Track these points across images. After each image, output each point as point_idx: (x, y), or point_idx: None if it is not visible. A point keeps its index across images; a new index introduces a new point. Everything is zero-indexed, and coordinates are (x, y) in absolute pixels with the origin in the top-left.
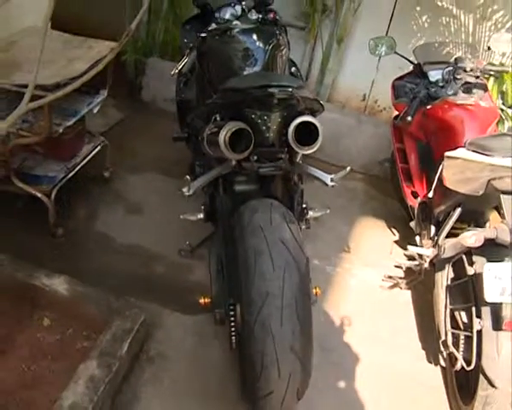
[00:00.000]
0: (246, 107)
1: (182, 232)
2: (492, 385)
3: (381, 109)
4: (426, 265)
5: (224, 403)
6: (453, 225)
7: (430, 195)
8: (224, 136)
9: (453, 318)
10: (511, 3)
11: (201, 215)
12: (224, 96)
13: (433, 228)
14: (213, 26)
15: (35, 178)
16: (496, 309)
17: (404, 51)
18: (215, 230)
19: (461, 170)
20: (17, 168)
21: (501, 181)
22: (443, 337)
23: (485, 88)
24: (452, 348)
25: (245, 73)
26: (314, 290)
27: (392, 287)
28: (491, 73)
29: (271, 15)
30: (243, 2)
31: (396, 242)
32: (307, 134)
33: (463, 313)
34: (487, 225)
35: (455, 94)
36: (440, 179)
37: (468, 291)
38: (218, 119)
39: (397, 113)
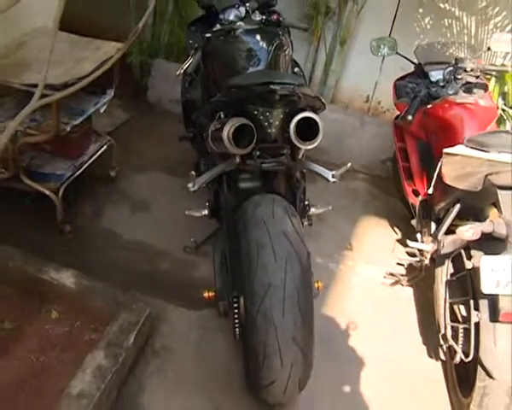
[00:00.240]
0: (249, 103)
1: (186, 230)
2: (490, 376)
3: (384, 110)
4: (426, 261)
5: (228, 394)
6: (453, 221)
7: (430, 191)
8: (227, 131)
9: (452, 312)
10: None
11: (206, 211)
12: (227, 93)
13: (433, 225)
14: (218, 27)
15: (43, 175)
16: (493, 301)
17: (407, 52)
18: (219, 226)
19: (459, 166)
20: (26, 166)
21: (497, 176)
22: (442, 331)
23: (485, 88)
24: (451, 341)
25: (243, 73)
26: (316, 284)
27: (393, 284)
28: (491, 72)
29: (275, 17)
30: (247, 4)
31: (398, 240)
32: (308, 130)
33: (462, 307)
34: (487, 221)
35: (455, 93)
36: (440, 176)
37: (466, 285)
38: (222, 116)
39: (398, 112)
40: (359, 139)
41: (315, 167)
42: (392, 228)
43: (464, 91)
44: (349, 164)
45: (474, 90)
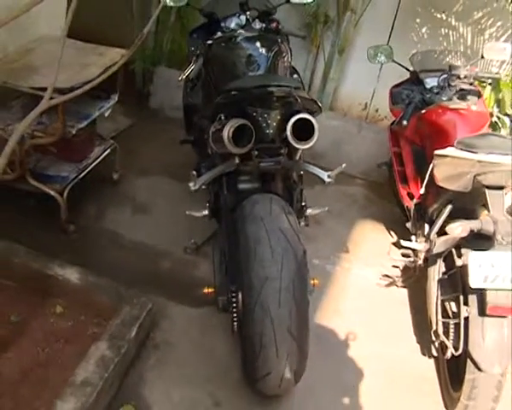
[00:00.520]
0: (248, 105)
1: (187, 231)
2: (479, 369)
3: (382, 118)
4: (420, 261)
5: (225, 387)
6: (445, 222)
7: (422, 191)
8: (227, 131)
9: (444, 308)
10: (509, 14)
11: (206, 212)
12: (227, 95)
13: (426, 226)
14: (219, 34)
15: (48, 177)
16: (481, 296)
17: (404, 61)
18: (218, 226)
19: (450, 168)
20: (32, 168)
21: (485, 176)
22: (434, 327)
23: (478, 94)
24: (443, 337)
25: (242, 78)
26: (312, 281)
27: (388, 285)
28: (485, 80)
29: (274, 25)
30: (247, 13)
31: (394, 243)
32: (304, 131)
33: (453, 303)
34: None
35: (449, 100)
36: (432, 178)
37: (457, 282)
38: (222, 118)
39: (394, 118)
40: (357, 146)
41: (311, 168)
42: (388, 231)
43: (458, 98)
44: (343, 165)
45: (468, 97)
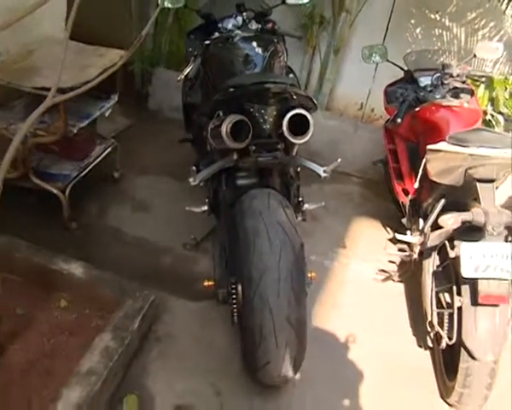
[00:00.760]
0: (245, 101)
1: (186, 228)
2: (472, 357)
3: (377, 117)
4: (415, 255)
5: (226, 377)
6: (438, 216)
7: (416, 185)
8: (225, 127)
9: (438, 300)
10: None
11: (205, 207)
12: (225, 92)
13: (421, 221)
14: (216, 35)
15: (51, 175)
16: (473, 285)
17: (399, 61)
18: (217, 222)
19: (442, 162)
20: (34, 167)
21: (476, 170)
22: (429, 318)
23: (471, 92)
24: (437, 327)
25: (239, 76)
26: (310, 275)
27: (385, 280)
28: (478, 78)
29: (270, 25)
30: (244, 14)
31: (390, 239)
32: (300, 127)
33: (447, 294)
34: None
35: (442, 97)
36: (425, 172)
37: (450, 273)
38: (220, 114)
39: (389, 116)
40: (353, 145)
41: (307, 163)
42: (385, 228)
43: (451, 96)
44: (339, 160)
45: (461, 95)
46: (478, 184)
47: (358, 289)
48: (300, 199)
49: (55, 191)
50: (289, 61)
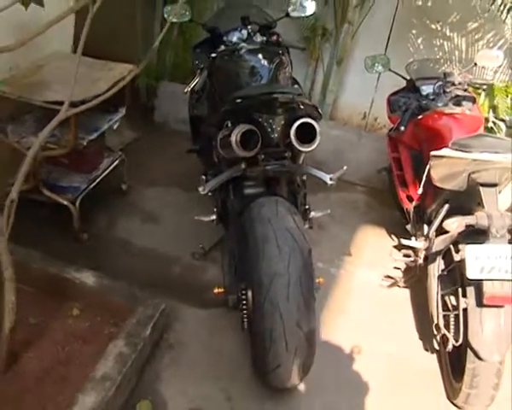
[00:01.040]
0: (254, 111)
1: (194, 238)
2: (479, 357)
3: (380, 127)
4: (420, 261)
5: (236, 383)
6: (443, 221)
7: (420, 191)
8: (235, 136)
9: (444, 303)
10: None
11: (214, 217)
12: (234, 103)
13: (425, 227)
14: (222, 47)
15: (61, 188)
16: (478, 287)
17: (400, 70)
18: (226, 231)
19: (445, 168)
20: (44, 179)
21: (479, 174)
22: (435, 321)
23: (473, 100)
24: (444, 330)
25: (246, 87)
26: (317, 280)
27: (391, 286)
28: (479, 86)
29: (275, 38)
30: (249, 27)
31: (395, 246)
32: (307, 136)
33: (452, 297)
34: None
35: (445, 105)
36: (429, 179)
37: (455, 277)
38: (229, 125)
39: (392, 125)
40: (357, 153)
41: (314, 171)
42: (389, 235)
43: (453, 104)
44: (345, 167)
45: (463, 103)
46: (481, 189)
47: (365, 296)
48: (307, 207)
49: (65, 203)
50: (293, 73)
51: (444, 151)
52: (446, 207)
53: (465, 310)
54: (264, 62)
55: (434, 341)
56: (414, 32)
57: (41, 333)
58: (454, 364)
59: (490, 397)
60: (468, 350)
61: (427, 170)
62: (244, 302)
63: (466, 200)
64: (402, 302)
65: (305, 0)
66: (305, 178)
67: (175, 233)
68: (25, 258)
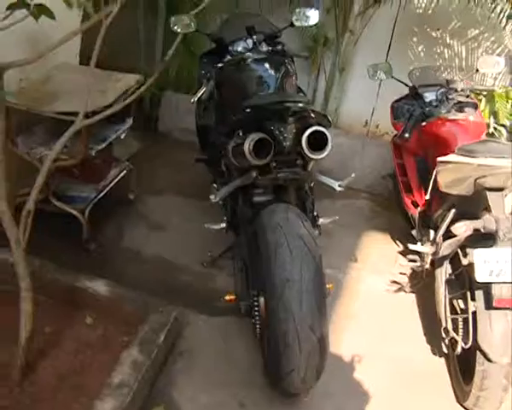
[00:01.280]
0: (265, 120)
1: (202, 246)
2: (488, 359)
3: (382, 134)
4: (427, 265)
5: (248, 389)
6: (449, 226)
7: (427, 197)
8: (248, 145)
9: (452, 307)
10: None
11: (224, 225)
12: (246, 113)
13: (432, 232)
14: (229, 57)
15: (70, 198)
16: (487, 290)
17: (402, 77)
18: (236, 238)
19: (452, 173)
20: (54, 190)
21: (485, 179)
22: (444, 325)
23: (475, 106)
24: (453, 333)
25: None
26: (327, 286)
27: (397, 291)
28: (480, 92)
29: (280, 47)
30: (254, 36)
31: (400, 252)
32: (317, 143)
33: (460, 301)
34: None
35: (448, 112)
36: (435, 184)
37: (463, 280)
38: (240, 133)
39: (396, 132)
40: (361, 161)
41: (323, 178)
42: (394, 241)
43: (456, 110)
44: (353, 174)
45: (466, 109)
46: (488, 193)
47: (372, 301)
48: (315, 213)
49: (75, 213)
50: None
51: (450, 157)
52: (453, 211)
53: (474, 313)
54: (271, 72)
55: (443, 344)
56: (414, 39)
57: (55, 342)
58: (462, 367)
59: (499, 399)
60: (478, 353)
61: (434, 176)
62: (256, 309)
63: (472, 205)
64: (408, 307)
65: (308, 10)
66: (312, 185)
67: (182, 241)
68: (37, 268)
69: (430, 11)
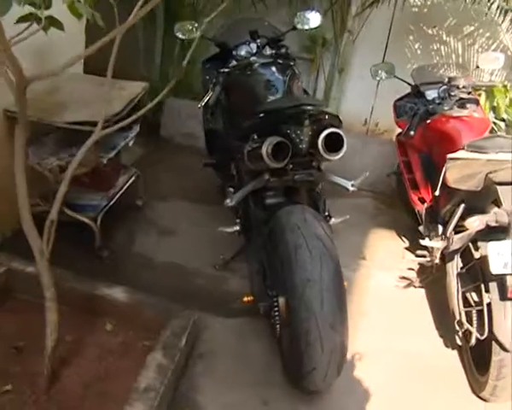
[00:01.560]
0: (282, 124)
1: (212, 249)
2: (504, 349)
3: (382, 132)
4: (437, 260)
5: (270, 388)
6: (458, 222)
7: (437, 193)
8: (266, 149)
9: (465, 300)
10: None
11: (237, 227)
12: (261, 116)
13: (440, 227)
14: (234, 62)
15: (81, 207)
16: (501, 282)
17: (400, 75)
18: (248, 241)
19: (462, 169)
20: (65, 199)
21: (497, 174)
22: (457, 318)
23: (477, 102)
24: (467, 325)
25: (268, 100)
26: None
27: (406, 286)
28: (481, 88)
29: (283, 50)
30: (258, 40)
31: (406, 248)
32: (332, 145)
33: (473, 294)
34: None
35: (451, 109)
36: (444, 181)
37: (475, 274)
38: (255, 137)
39: (400, 130)
40: (362, 159)
41: (336, 178)
42: (400, 237)
43: (458, 107)
44: (367, 173)
45: (467, 105)
46: (498, 188)
47: (382, 297)
48: (327, 213)
49: (87, 221)
50: None
51: (460, 153)
52: (462, 206)
53: (488, 305)
54: (279, 75)
55: (456, 337)
56: (411, 37)
57: (77, 350)
58: (476, 359)
59: None
60: (494, 343)
61: (443, 172)
62: (276, 309)
63: (480, 199)
64: (418, 302)
65: (309, 13)
66: (321, 184)
67: (192, 246)
68: (61, 278)
69: (426, 9)
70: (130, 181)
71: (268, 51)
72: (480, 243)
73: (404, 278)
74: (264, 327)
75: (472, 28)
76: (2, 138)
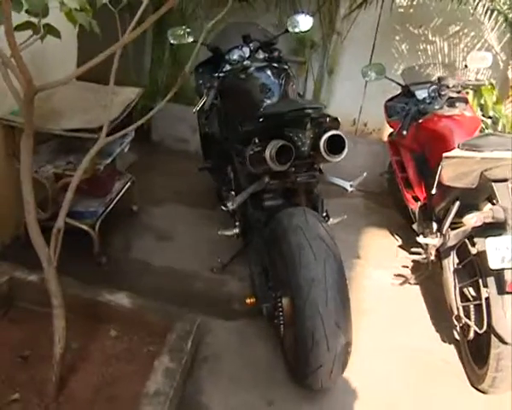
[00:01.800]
0: (284, 127)
1: (209, 253)
2: (503, 342)
3: (370, 132)
4: (432, 257)
5: (274, 388)
6: (453, 220)
7: (433, 191)
8: (269, 152)
9: (462, 294)
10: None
11: (237, 230)
12: (262, 120)
13: (434, 224)
14: (227, 67)
15: (78, 213)
16: (499, 276)
17: (388, 75)
18: (246, 243)
19: (457, 167)
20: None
21: (492, 171)
22: (455, 313)
23: (466, 101)
24: (465, 319)
25: (265, 104)
26: None
27: (402, 283)
28: (469, 87)
29: (276, 54)
30: (250, 44)
31: (400, 246)
32: (333, 147)
33: (471, 288)
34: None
35: (441, 108)
36: (440, 179)
37: (472, 269)
38: (257, 141)
39: (391, 130)
40: (353, 160)
41: (334, 179)
42: (393, 235)
43: (448, 106)
44: (365, 173)
45: (458, 104)
46: (494, 185)
47: (378, 295)
48: (325, 214)
49: (85, 228)
50: None
51: (455, 152)
52: (457, 204)
53: (487, 299)
54: (274, 79)
55: (454, 331)
56: (397, 38)
57: (83, 356)
58: (475, 352)
59: None
60: (492, 336)
61: (439, 171)
62: (280, 309)
63: (474, 196)
64: (414, 298)
65: (301, 16)
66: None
67: (190, 249)
68: (64, 285)
69: (412, 10)
70: (126, 187)
71: (261, 55)
72: (476, 239)
73: (399, 275)
74: (265, 328)
75: (457, 28)
76: None
